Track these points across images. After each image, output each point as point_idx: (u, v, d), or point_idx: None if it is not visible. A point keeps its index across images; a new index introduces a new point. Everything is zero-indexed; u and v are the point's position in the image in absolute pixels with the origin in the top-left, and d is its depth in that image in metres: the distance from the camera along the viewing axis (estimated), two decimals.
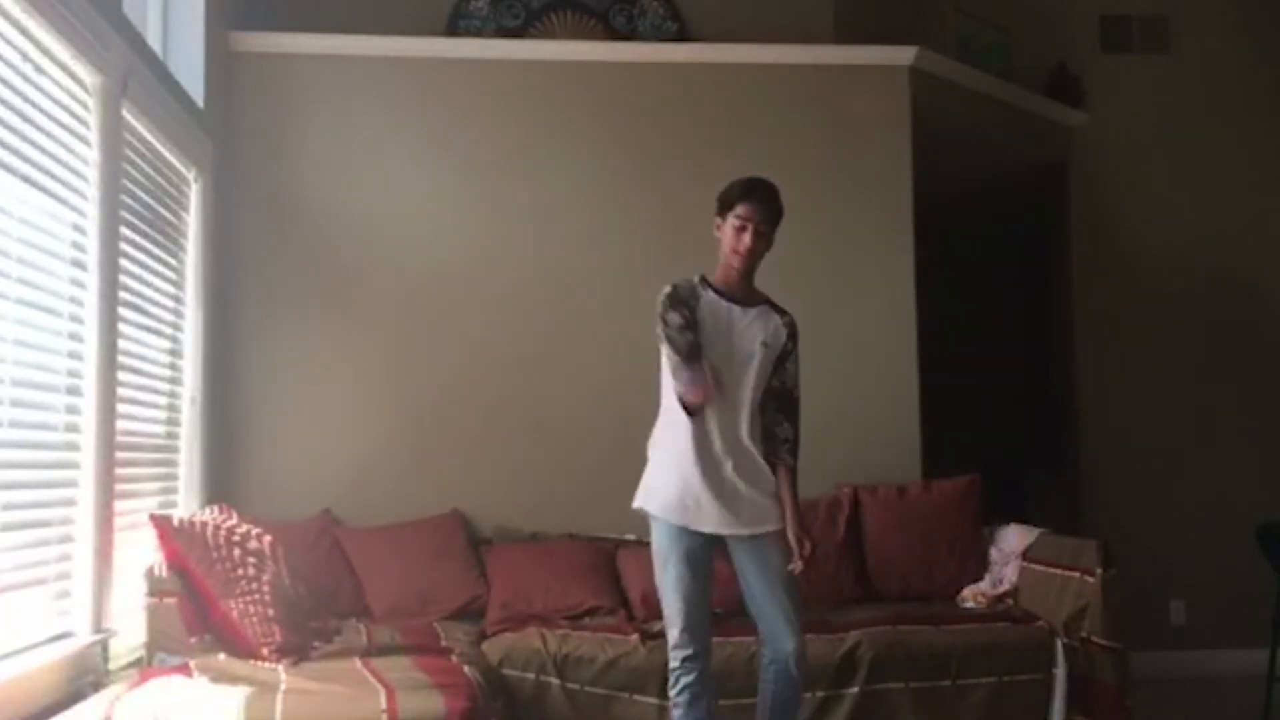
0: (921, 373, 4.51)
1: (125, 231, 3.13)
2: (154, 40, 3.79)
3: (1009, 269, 6.31)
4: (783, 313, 3.00)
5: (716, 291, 2.96)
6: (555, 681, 3.35)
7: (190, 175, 3.87)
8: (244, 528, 3.24)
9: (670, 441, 2.92)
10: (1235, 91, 5.54)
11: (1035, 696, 3.44)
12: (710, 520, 2.85)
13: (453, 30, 4.69)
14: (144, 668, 2.98)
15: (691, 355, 2.81)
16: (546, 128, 4.44)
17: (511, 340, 4.34)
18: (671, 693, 2.82)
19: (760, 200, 2.90)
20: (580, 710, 3.34)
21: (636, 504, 2.97)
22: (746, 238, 2.89)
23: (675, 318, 2.84)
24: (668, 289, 2.91)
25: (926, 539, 4.02)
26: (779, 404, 2.96)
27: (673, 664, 2.81)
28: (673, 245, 4.44)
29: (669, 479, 2.89)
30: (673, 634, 2.81)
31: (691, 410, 2.87)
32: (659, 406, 4.57)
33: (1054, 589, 3.58)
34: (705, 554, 2.88)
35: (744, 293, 2.98)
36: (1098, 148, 5.48)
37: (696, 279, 2.98)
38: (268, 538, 3.27)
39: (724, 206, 2.95)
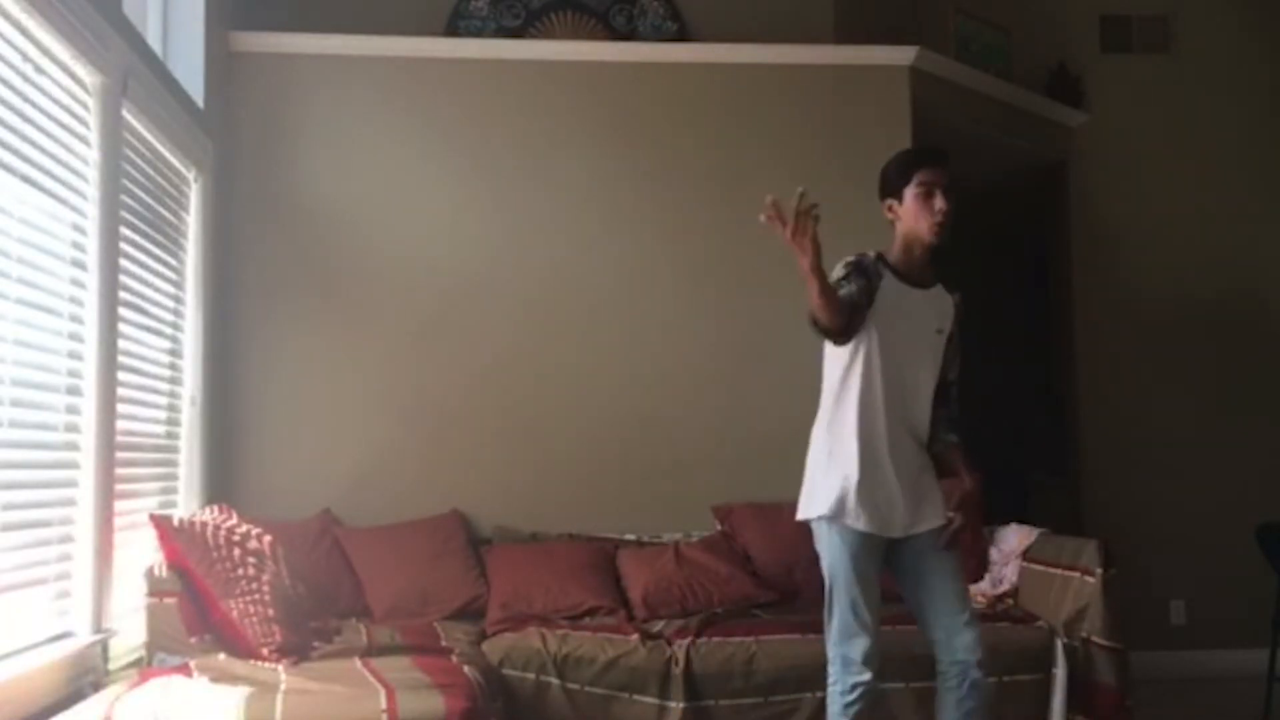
0: None
1: (125, 231, 3.13)
2: (154, 40, 3.79)
3: (1009, 269, 6.31)
4: (953, 291, 2.82)
5: (895, 274, 2.75)
6: (555, 681, 3.35)
7: (190, 175, 3.87)
8: (244, 528, 3.24)
9: None
10: (1235, 91, 5.54)
11: (1035, 696, 3.44)
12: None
13: (453, 30, 4.69)
14: (144, 668, 2.97)
15: (842, 308, 2.58)
16: (547, 128, 4.44)
17: (511, 340, 4.34)
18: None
19: (937, 161, 2.73)
20: (580, 710, 3.34)
21: None
22: (939, 200, 2.67)
23: (852, 287, 2.65)
24: (850, 258, 2.71)
25: None
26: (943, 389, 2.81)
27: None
28: (672, 245, 4.46)
29: None
30: None
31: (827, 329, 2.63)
32: (658, 406, 4.58)
33: (1054, 589, 3.58)
34: None
35: (921, 275, 2.77)
36: (1098, 148, 5.49)
37: (874, 257, 2.76)
38: (268, 538, 3.27)
39: (899, 181, 2.75)
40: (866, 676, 2.69)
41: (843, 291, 2.63)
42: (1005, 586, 3.83)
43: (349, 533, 4.03)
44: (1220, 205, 5.47)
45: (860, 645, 2.69)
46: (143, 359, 3.39)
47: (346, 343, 4.28)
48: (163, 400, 3.62)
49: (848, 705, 2.71)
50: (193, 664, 2.86)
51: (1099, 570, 3.42)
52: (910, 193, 2.73)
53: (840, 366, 2.76)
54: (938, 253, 2.80)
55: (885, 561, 2.77)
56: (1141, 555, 4.80)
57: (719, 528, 4.20)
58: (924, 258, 2.77)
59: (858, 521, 2.69)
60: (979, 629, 2.73)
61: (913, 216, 2.72)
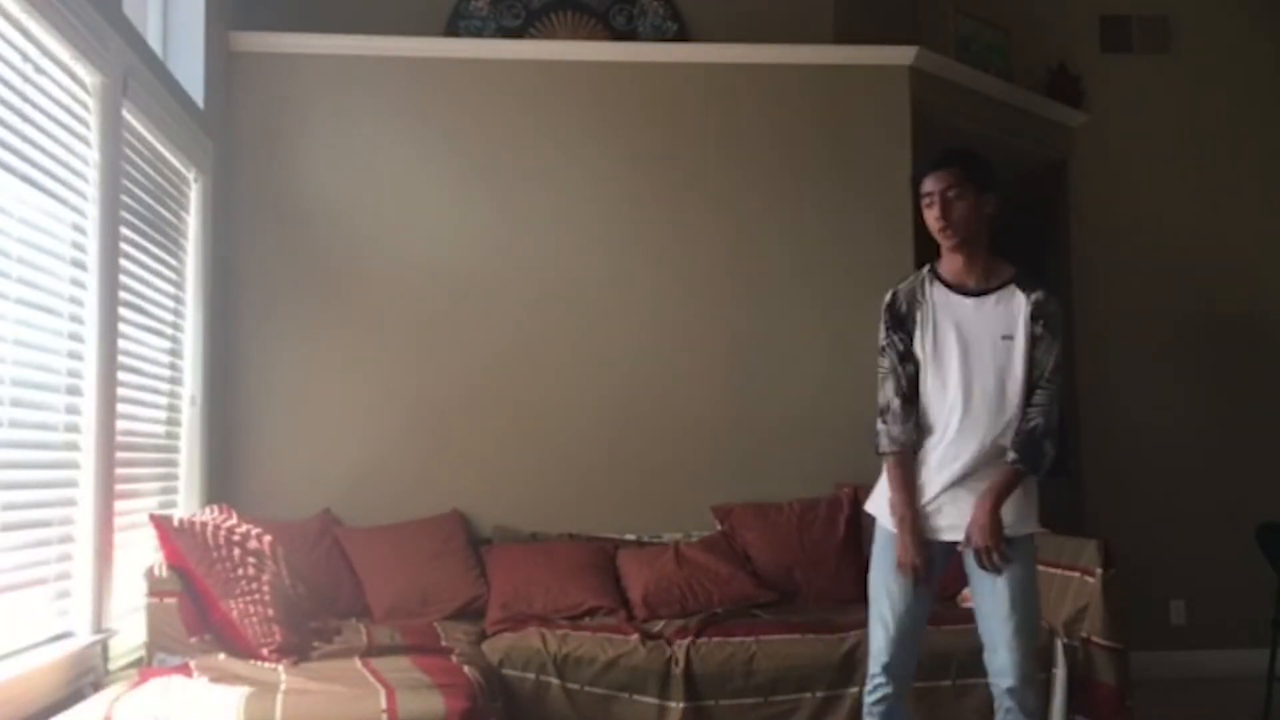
0: None
1: (125, 231, 3.13)
2: (154, 40, 3.79)
3: None
4: (1031, 289, 2.65)
5: (946, 284, 2.70)
6: (555, 681, 3.35)
7: (190, 175, 3.87)
8: (244, 528, 3.25)
9: None
10: (1235, 91, 5.54)
11: (1035, 697, 3.43)
12: None
13: (453, 30, 4.69)
14: (144, 668, 2.97)
15: (892, 413, 2.66)
16: (547, 128, 4.44)
17: (512, 340, 4.34)
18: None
19: (934, 167, 2.68)
20: (580, 710, 3.34)
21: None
22: (935, 210, 2.66)
23: (891, 354, 2.70)
24: (887, 298, 2.71)
25: None
26: (1028, 397, 2.63)
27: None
28: (673, 245, 4.46)
29: None
30: None
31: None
32: (658, 406, 4.58)
33: (1054, 589, 3.57)
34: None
35: (976, 278, 2.69)
36: (1098, 148, 5.49)
37: (926, 271, 2.74)
38: (268, 538, 3.27)
39: (917, 195, 2.74)
40: (876, 684, 2.73)
41: (883, 368, 2.72)
42: None
43: (349, 533, 4.03)
44: (1220, 205, 5.47)
45: (874, 650, 2.74)
46: (143, 359, 3.39)
47: (346, 343, 4.28)
48: (163, 400, 3.62)
49: (867, 706, 2.77)
50: (193, 664, 2.87)
51: (1099, 570, 3.41)
52: (923, 206, 2.74)
53: None
54: (925, 257, 2.75)
55: (940, 565, 2.73)
56: (1141, 555, 4.80)
57: (719, 528, 4.21)
58: (970, 263, 2.70)
59: (888, 520, 2.72)
60: (1019, 654, 2.58)
61: (931, 228, 2.74)
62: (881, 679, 2.72)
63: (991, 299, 2.67)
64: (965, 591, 3.86)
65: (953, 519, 2.66)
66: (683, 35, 4.78)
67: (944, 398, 2.66)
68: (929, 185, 2.69)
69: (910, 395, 2.69)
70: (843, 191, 4.54)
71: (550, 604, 3.74)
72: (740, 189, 4.48)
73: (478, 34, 4.69)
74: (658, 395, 4.38)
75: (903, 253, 4.50)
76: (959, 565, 3.96)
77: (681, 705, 3.31)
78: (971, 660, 3.40)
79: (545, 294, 4.38)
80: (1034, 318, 2.63)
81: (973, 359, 2.64)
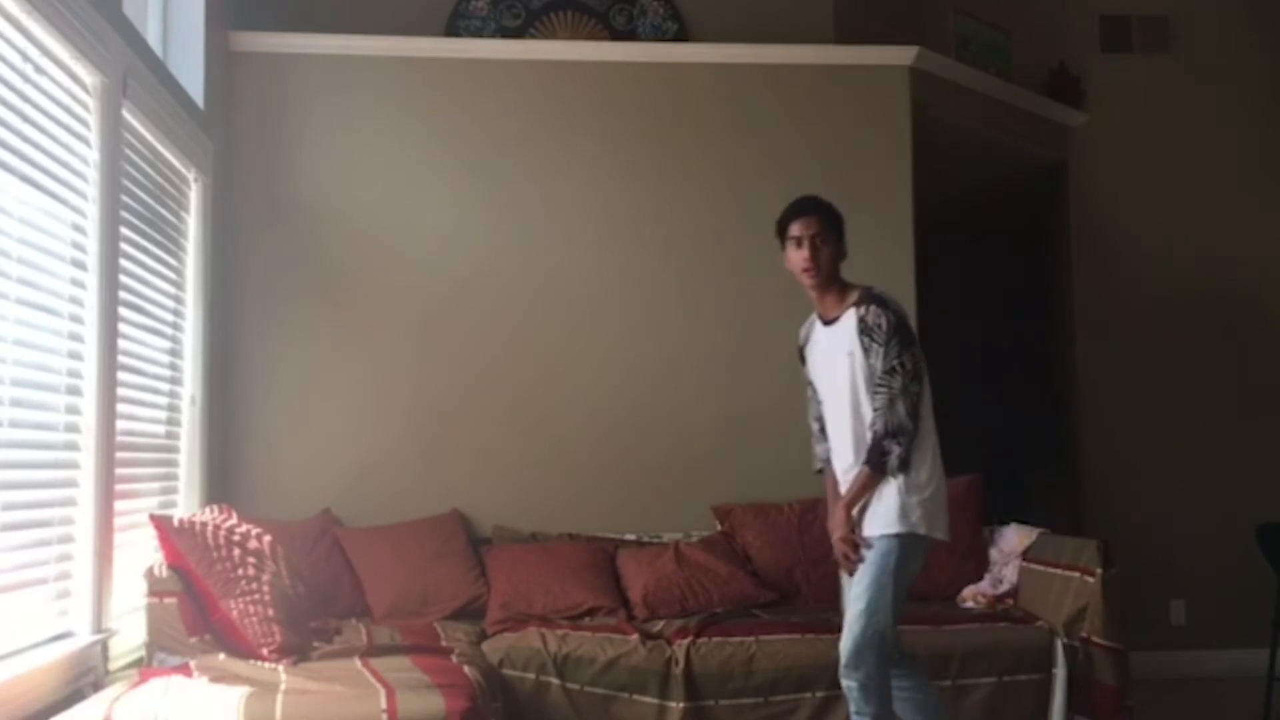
0: None
1: (125, 231, 3.13)
2: (154, 40, 3.79)
3: (1009, 269, 6.31)
4: (859, 306, 2.93)
5: (820, 319, 3.07)
6: (555, 681, 3.35)
7: (190, 175, 3.87)
8: (244, 528, 3.25)
9: None
10: (1235, 91, 5.54)
11: (1035, 696, 3.44)
12: None
13: (453, 30, 4.69)
14: (144, 668, 2.97)
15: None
16: (547, 128, 4.44)
17: (512, 340, 4.34)
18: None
19: (803, 212, 3.00)
20: (580, 710, 3.34)
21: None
22: (805, 252, 2.96)
23: (808, 387, 3.16)
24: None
25: None
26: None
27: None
28: (672, 245, 4.46)
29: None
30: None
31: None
32: (658, 406, 4.59)
33: (1054, 589, 3.58)
34: None
35: (829, 308, 3.02)
36: (1098, 148, 5.49)
37: (813, 315, 3.11)
38: (268, 538, 3.27)
39: (780, 235, 3.03)
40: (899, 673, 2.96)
41: (810, 406, 3.18)
42: (1005, 586, 3.83)
43: (349, 533, 4.03)
44: (1220, 205, 5.48)
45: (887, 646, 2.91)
46: (143, 359, 3.39)
47: (346, 342, 4.28)
48: (163, 400, 3.62)
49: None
50: (193, 664, 2.87)
51: (1099, 570, 3.42)
52: (788, 244, 3.03)
53: None
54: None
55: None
56: (1141, 555, 4.80)
57: (719, 528, 4.21)
58: (826, 297, 3.03)
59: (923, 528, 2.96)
60: (849, 640, 2.85)
61: (793, 266, 3.03)
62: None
63: (839, 324, 2.99)
64: (965, 591, 3.88)
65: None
66: (683, 35, 4.78)
67: (829, 418, 3.06)
68: (797, 229, 2.99)
69: (822, 420, 3.11)
70: (843, 191, 4.49)
71: (550, 604, 3.74)
72: (740, 189, 4.48)
73: (478, 34, 4.69)
74: (658, 395, 4.38)
75: (903, 252, 4.51)
76: (957, 567, 3.98)
77: (681, 705, 3.31)
78: (972, 659, 3.42)
79: (545, 294, 4.38)
80: (860, 332, 2.91)
81: (833, 380, 2.99)
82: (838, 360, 2.95)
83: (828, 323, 3.02)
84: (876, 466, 2.87)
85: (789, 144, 4.50)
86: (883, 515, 2.87)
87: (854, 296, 2.97)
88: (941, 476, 2.97)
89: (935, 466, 2.96)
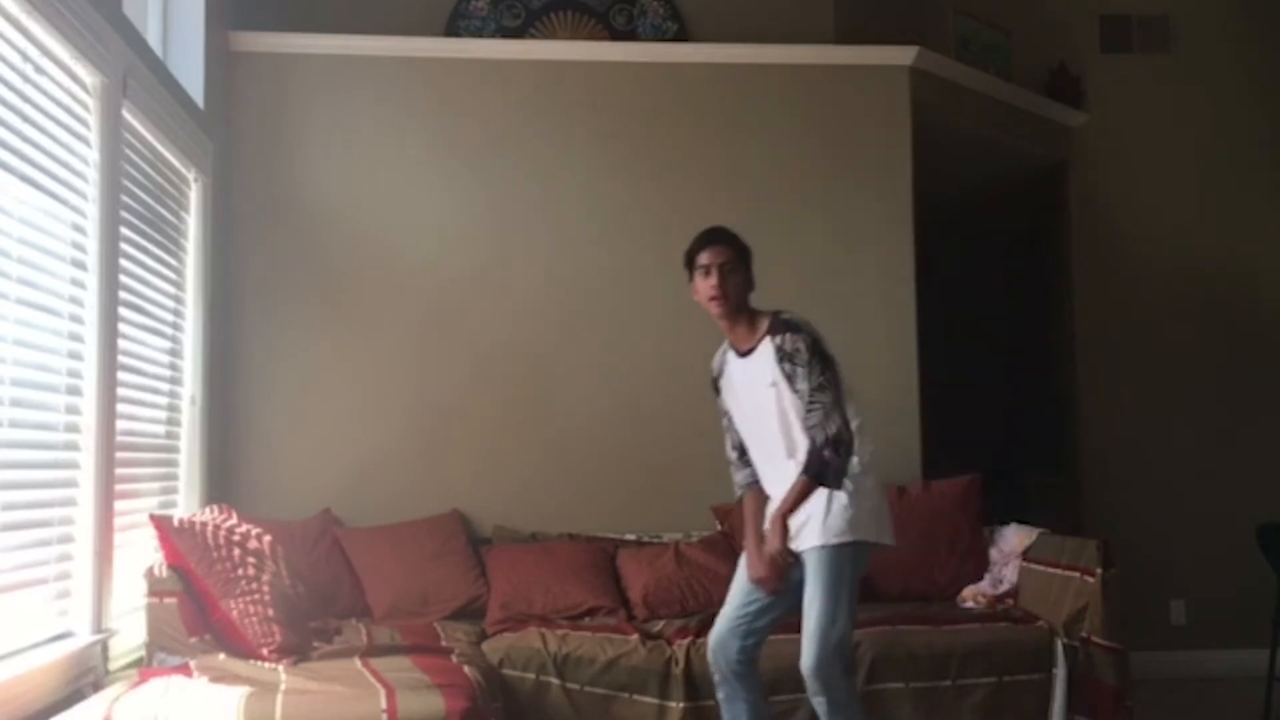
0: (921, 373, 4.51)
1: (125, 231, 3.13)
2: (154, 40, 3.79)
3: (1009, 269, 6.31)
4: (773, 335, 2.94)
5: (733, 350, 3.06)
6: (555, 681, 3.35)
7: (190, 175, 3.87)
8: (244, 528, 3.25)
9: None
10: (1235, 91, 5.54)
11: (1035, 696, 3.44)
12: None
13: (453, 30, 4.69)
14: (144, 668, 2.97)
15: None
16: (547, 128, 4.44)
17: (512, 340, 4.34)
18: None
19: (711, 241, 3.00)
20: (580, 710, 3.34)
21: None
22: (712, 280, 2.95)
23: (723, 417, 3.17)
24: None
25: (926, 539, 4.01)
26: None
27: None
28: (672, 245, 4.43)
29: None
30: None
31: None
32: (659, 405, 4.58)
33: (1054, 589, 3.58)
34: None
35: (741, 339, 3.02)
36: (1098, 148, 5.49)
37: (725, 345, 3.10)
38: (268, 538, 3.27)
39: (688, 266, 3.03)
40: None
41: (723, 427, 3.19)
42: (1005, 586, 3.83)
43: (349, 533, 4.03)
44: (1220, 205, 5.47)
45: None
46: (143, 359, 3.39)
47: (346, 342, 4.28)
48: (163, 400, 3.62)
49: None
50: (193, 664, 2.87)
51: (1099, 570, 3.42)
52: (696, 275, 3.02)
53: None
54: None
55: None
56: (1141, 555, 4.80)
57: (719, 528, 4.20)
58: (736, 327, 3.02)
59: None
60: (808, 649, 2.86)
61: (700, 296, 3.02)
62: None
63: (755, 355, 2.98)
64: (965, 591, 3.88)
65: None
66: (683, 35, 4.78)
67: (756, 449, 3.07)
68: (705, 259, 2.99)
69: (741, 447, 3.13)
70: (843, 191, 4.54)
71: (550, 604, 3.74)
72: (740, 188, 4.48)
73: (478, 34, 4.69)
74: (658, 395, 4.37)
75: (903, 252, 4.51)
76: (957, 567, 3.98)
77: (681, 705, 3.32)
78: (972, 659, 3.43)
79: (545, 293, 4.38)
80: (779, 360, 2.91)
81: (758, 412, 2.98)
82: (760, 392, 2.94)
83: (743, 354, 3.01)
84: (815, 477, 2.87)
85: (789, 144, 4.50)
86: (833, 526, 2.85)
87: (765, 325, 2.97)
88: (882, 485, 3.02)
89: (877, 475, 2.98)
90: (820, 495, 2.87)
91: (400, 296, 4.32)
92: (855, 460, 2.90)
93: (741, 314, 3.00)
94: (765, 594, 2.96)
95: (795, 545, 2.91)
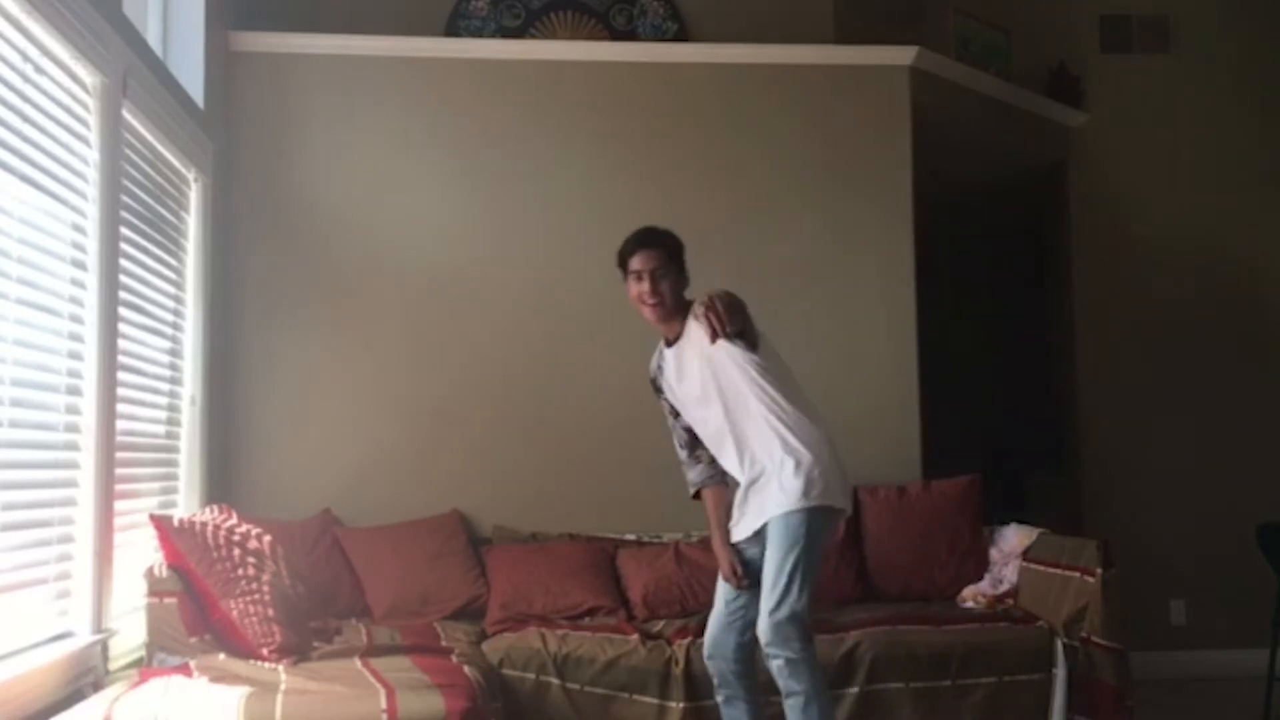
0: (922, 373, 4.51)
1: (125, 231, 3.13)
2: (154, 40, 3.79)
3: (1009, 269, 6.31)
4: (695, 311, 2.90)
5: (667, 344, 3.08)
6: (555, 681, 3.35)
7: (190, 175, 3.87)
8: (244, 528, 3.25)
9: None
10: (1235, 91, 5.54)
11: (1035, 696, 3.44)
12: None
13: (453, 31, 4.69)
14: (144, 668, 2.97)
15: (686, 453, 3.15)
16: (546, 128, 4.44)
17: (512, 340, 4.34)
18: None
19: (641, 245, 3.01)
20: (580, 710, 3.34)
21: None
22: (645, 285, 2.98)
23: (668, 416, 3.18)
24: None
25: (926, 539, 4.02)
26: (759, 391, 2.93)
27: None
28: None
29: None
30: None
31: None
32: (658, 405, 4.56)
33: (1054, 589, 3.58)
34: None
35: (675, 332, 3.04)
36: (1098, 148, 5.49)
37: (661, 346, 3.11)
38: (268, 538, 3.27)
39: (621, 268, 3.04)
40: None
41: (675, 434, 3.20)
42: (1005, 586, 3.83)
43: (349, 533, 4.03)
44: (1220, 205, 5.47)
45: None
46: (143, 359, 3.39)
47: (346, 342, 4.28)
48: (163, 400, 3.62)
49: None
50: (193, 664, 2.87)
51: (1099, 570, 3.42)
52: (629, 279, 3.04)
53: None
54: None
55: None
56: (1141, 555, 4.80)
57: None
58: (670, 326, 3.03)
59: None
60: (766, 618, 2.82)
61: (633, 299, 3.04)
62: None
63: (686, 337, 3.01)
64: (965, 591, 3.88)
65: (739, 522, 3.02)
66: (683, 35, 4.78)
67: (704, 430, 3.04)
68: (637, 264, 3.00)
69: (692, 442, 3.13)
70: (843, 191, 4.54)
71: (550, 604, 3.74)
72: (740, 189, 4.48)
73: (478, 34, 4.69)
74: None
75: (903, 252, 4.51)
76: (957, 567, 3.98)
77: (681, 705, 3.32)
78: (972, 659, 3.43)
79: (545, 294, 4.38)
80: (710, 330, 2.80)
81: (705, 392, 2.96)
82: (699, 370, 2.95)
83: (672, 342, 3.04)
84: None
85: (789, 144, 4.50)
86: (785, 495, 2.83)
87: (686, 309, 3.00)
88: (832, 448, 2.93)
89: (823, 439, 2.91)
90: (772, 473, 2.87)
91: (401, 296, 4.32)
92: (802, 438, 2.87)
93: (676, 313, 3.02)
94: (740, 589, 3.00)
95: (756, 524, 2.92)
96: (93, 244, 2.90)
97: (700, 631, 3.45)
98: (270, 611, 3.04)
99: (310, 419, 4.23)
